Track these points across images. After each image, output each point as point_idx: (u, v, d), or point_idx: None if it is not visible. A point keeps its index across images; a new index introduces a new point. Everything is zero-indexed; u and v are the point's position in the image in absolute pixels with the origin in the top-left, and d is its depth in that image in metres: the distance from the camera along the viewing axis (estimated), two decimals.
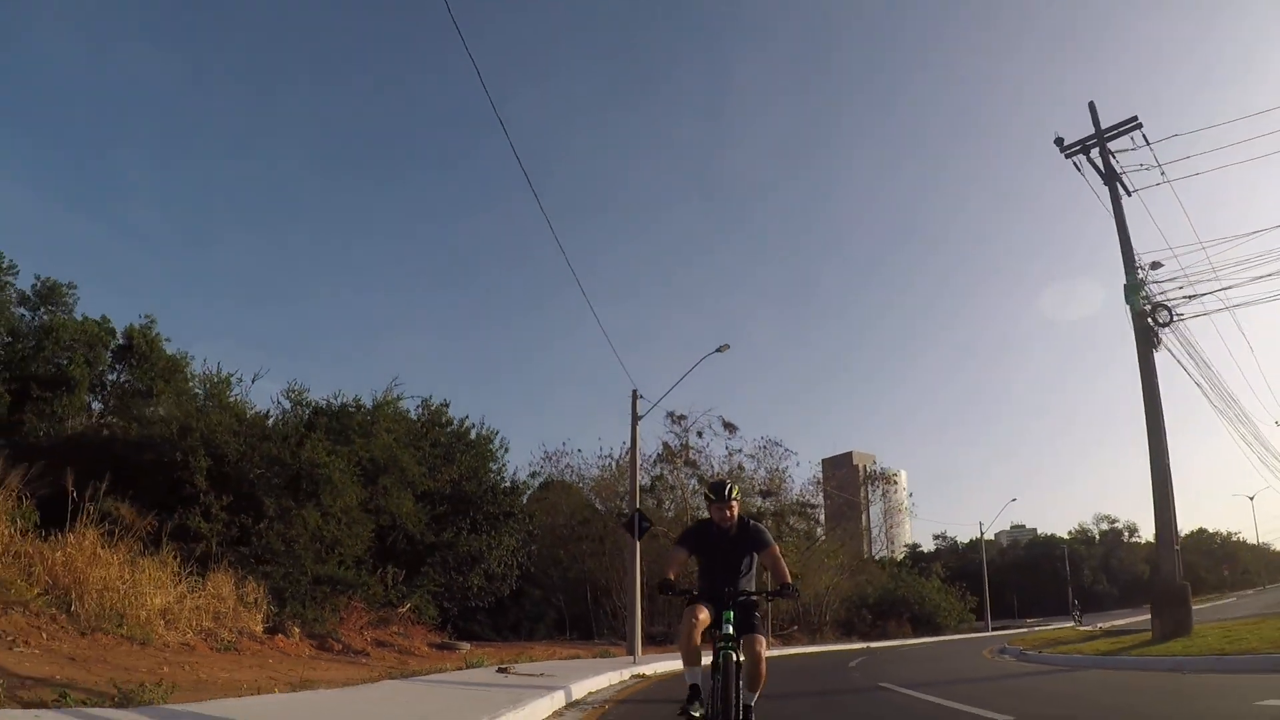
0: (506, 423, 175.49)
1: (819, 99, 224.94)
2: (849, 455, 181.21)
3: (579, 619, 37.38)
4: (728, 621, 5.28)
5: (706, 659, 5.45)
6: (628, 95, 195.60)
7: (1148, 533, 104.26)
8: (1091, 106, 17.83)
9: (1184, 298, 16.37)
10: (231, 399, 22.52)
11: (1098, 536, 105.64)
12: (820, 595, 45.32)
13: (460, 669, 15.48)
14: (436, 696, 10.12)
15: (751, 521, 5.86)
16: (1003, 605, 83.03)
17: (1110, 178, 17.39)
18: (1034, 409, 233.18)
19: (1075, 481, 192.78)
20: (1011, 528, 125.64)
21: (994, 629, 58.44)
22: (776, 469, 42.99)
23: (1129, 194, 17.35)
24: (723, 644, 5.20)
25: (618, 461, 39.09)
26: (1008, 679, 14.33)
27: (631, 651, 21.47)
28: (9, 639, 9.04)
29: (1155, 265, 17.02)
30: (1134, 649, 16.54)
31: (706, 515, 5.86)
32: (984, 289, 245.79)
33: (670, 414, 39.26)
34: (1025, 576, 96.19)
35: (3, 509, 12.16)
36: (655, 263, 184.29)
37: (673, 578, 5.64)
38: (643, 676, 16.19)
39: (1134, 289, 16.68)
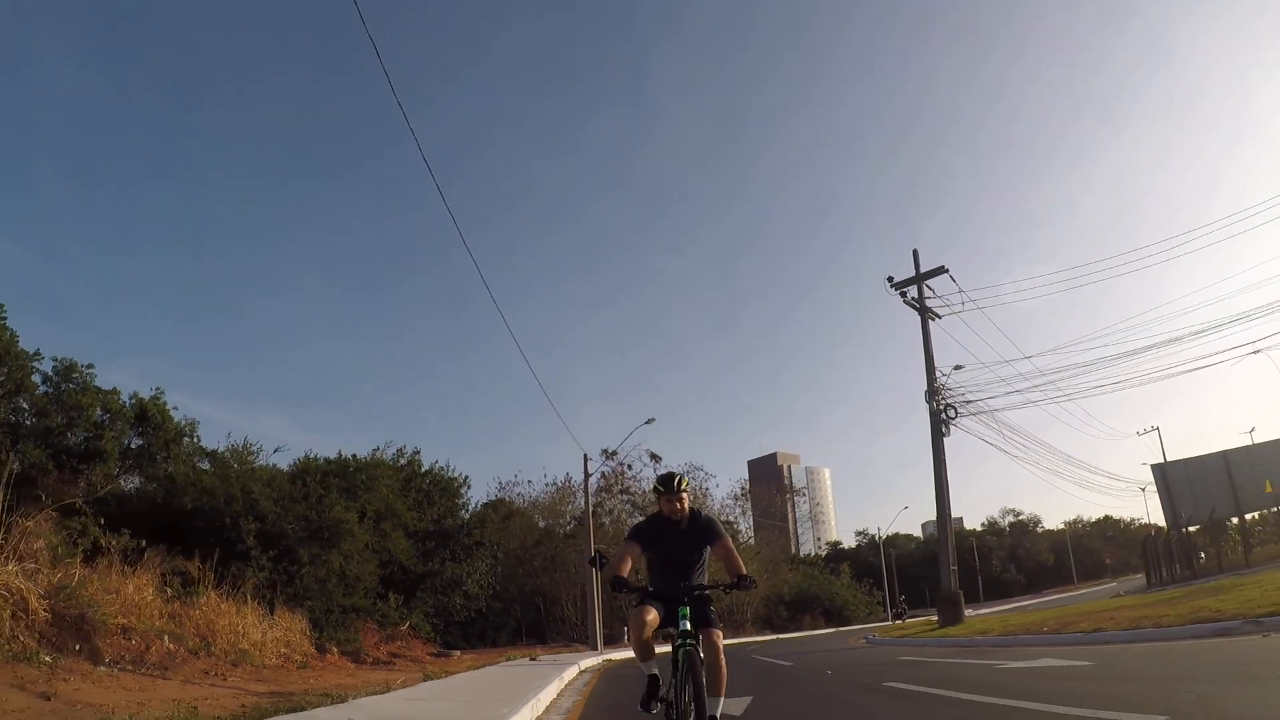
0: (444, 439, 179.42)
1: (734, 88, 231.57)
2: (774, 456, 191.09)
3: (534, 627, 43.46)
4: (684, 617, 5.13)
5: (662, 648, 5.45)
6: (546, 91, 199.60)
7: (1050, 524, 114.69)
8: (915, 254, 24.56)
9: (964, 401, 23.33)
10: (257, 465, 28.06)
11: (1007, 528, 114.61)
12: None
13: (508, 661, 22.55)
14: (517, 673, 16.43)
15: (703, 514, 5.74)
16: (915, 596, 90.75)
17: (922, 310, 24.12)
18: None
19: (989, 477, 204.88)
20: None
21: (895, 619, 65.80)
22: (699, 489, 49.97)
23: (937, 319, 24.13)
24: (681, 642, 5.06)
25: (559, 486, 46.68)
26: (836, 651, 21.24)
27: (595, 647, 28.62)
28: (212, 676, 14.80)
29: (958, 367, 24.02)
30: (928, 633, 23.78)
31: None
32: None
33: (604, 450, 45.67)
34: (936, 568, 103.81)
35: (155, 580, 17.72)
36: (577, 258, 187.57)
37: (624, 574, 5.39)
38: (609, 660, 25.00)
39: (931, 394, 23.55)
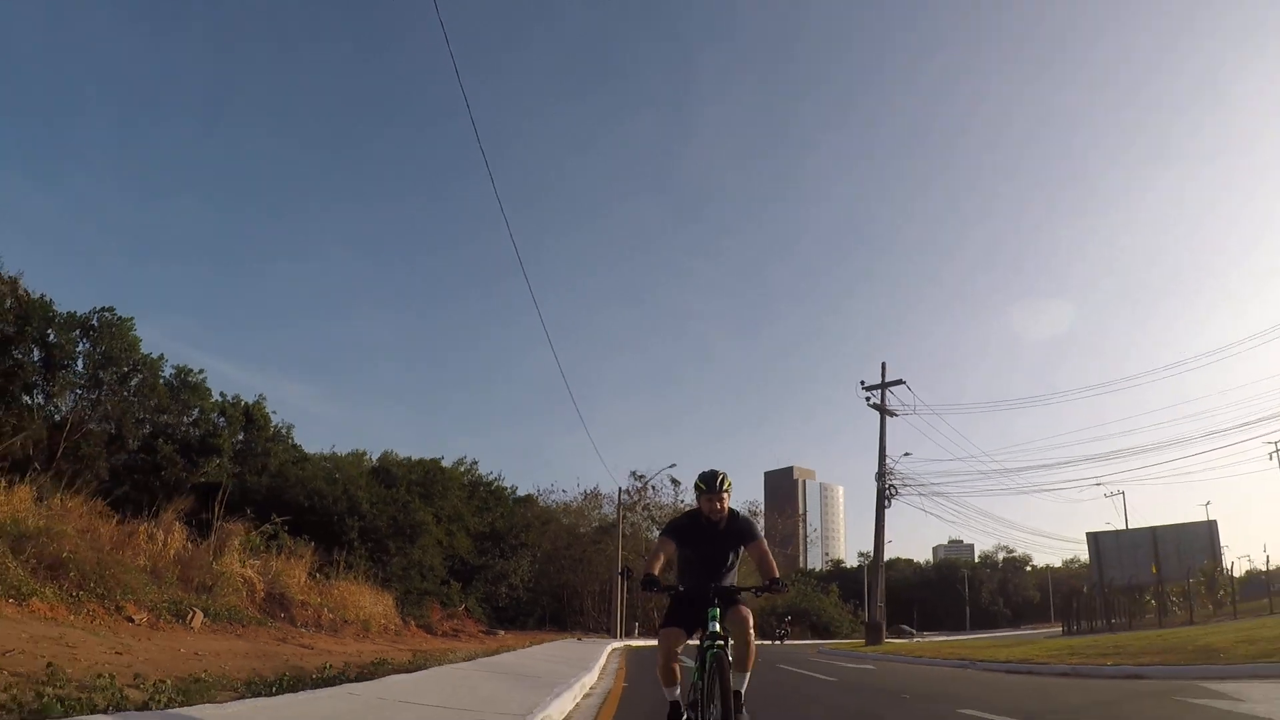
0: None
1: (779, 97, 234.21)
2: (790, 470, 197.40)
3: (555, 615, 50.78)
4: (714, 619, 5.06)
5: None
6: (587, 86, 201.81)
7: (1040, 561, 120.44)
8: (883, 366, 31.59)
9: (903, 484, 30.38)
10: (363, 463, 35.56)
11: (999, 563, 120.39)
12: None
13: (556, 639, 29.91)
14: (577, 647, 23.87)
15: (741, 515, 5.69)
16: (905, 618, 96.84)
17: (881, 412, 31.07)
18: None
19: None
20: (949, 542, 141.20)
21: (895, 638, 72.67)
22: None
23: (893, 415, 31.11)
24: (710, 644, 4.98)
25: (588, 494, 55.41)
26: (791, 653, 28.21)
27: (616, 635, 35.90)
28: (360, 638, 22.08)
29: (906, 454, 31.07)
30: (857, 648, 30.72)
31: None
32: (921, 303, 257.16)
33: (633, 473, 53.47)
34: (933, 593, 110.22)
35: (308, 567, 25.05)
36: (606, 252, 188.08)
37: (657, 573, 5.30)
38: (630, 644, 32.09)
39: (881, 475, 30.55)
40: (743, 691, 5.09)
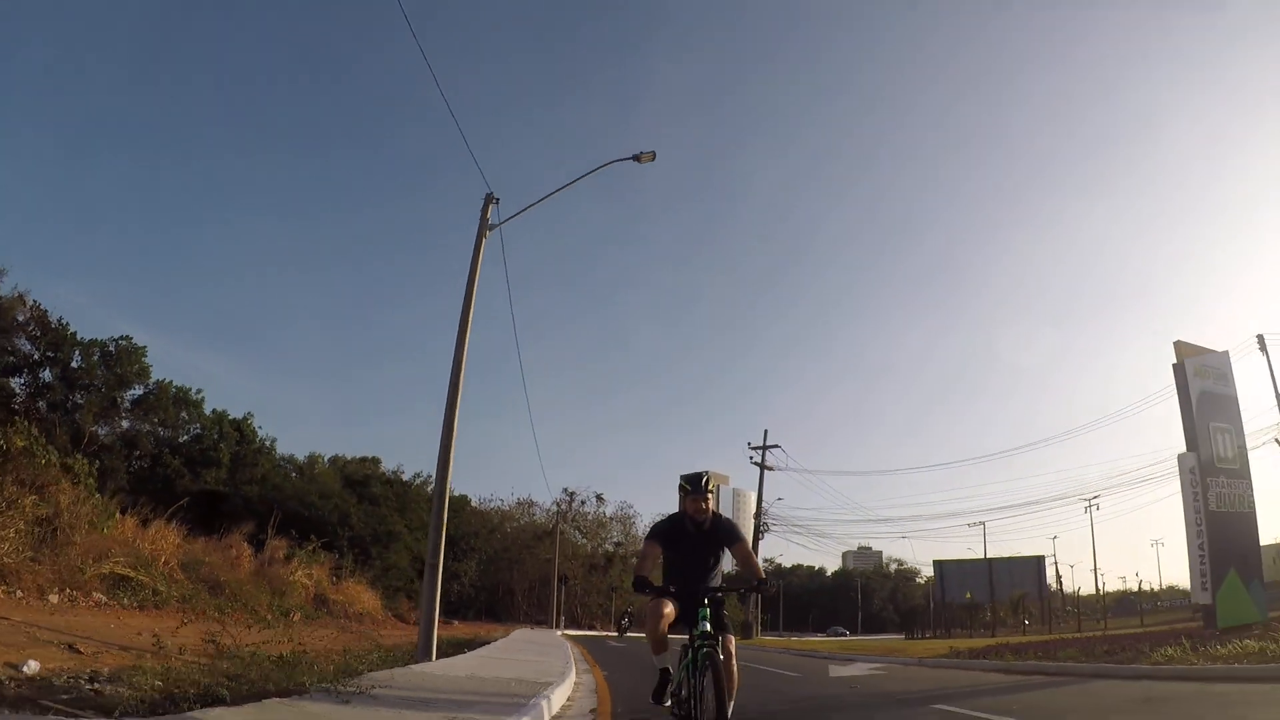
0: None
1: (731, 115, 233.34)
2: (704, 474, 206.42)
3: (491, 609, 58.69)
4: (705, 619, 5.10)
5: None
6: (543, 92, 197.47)
7: (928, 573, 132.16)
8: (765, 433, 40.58)
9: (773, 522, 39.39)
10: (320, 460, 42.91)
11: (891, 574, 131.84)
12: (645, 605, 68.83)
13: (512, 629, 37.47)
14: (538, 634, 31.97)
15: (724, 518, 5.76)
16: (801, 620, 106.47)
17: (761, 469, 40.08)
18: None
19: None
20: (859, 549, 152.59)
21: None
22: (626, 516, 67.41)
23: (771, 469, 40.16)
24: (702, 643, 5.01)
25: (521, 502, 65.35)
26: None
27: (552, 626, 43.76)
28: (379, 627, 29.71)
29: (779, 498, 40.23)
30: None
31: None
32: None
33: (565, 489, 62.50)
34: (831, 599, 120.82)
35: (327, 570, 32.44)
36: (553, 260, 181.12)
37: (648, 575, 5.36)
38: (567, 633, 39.16)
39: (757, 515, 39.42)
40: (729, 715, 4.96)
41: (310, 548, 28.87)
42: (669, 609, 5.22)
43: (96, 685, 5.70)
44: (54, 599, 12.41)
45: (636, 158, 14.85)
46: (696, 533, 5.53)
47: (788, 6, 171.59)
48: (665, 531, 5.67)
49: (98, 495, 17.64)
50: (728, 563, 5.76)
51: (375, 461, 50.45)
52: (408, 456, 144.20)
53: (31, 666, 6.51)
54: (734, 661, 5.22)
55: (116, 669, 6.92)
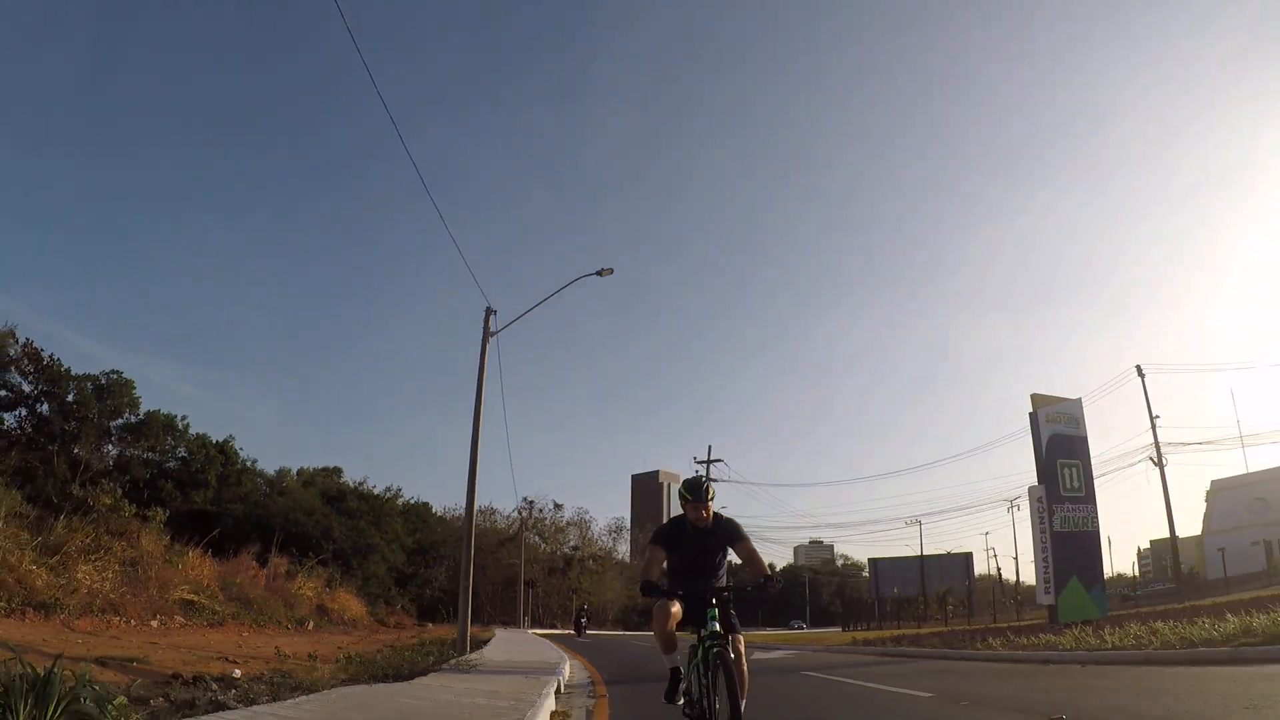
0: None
1: (672, 99, 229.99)
2: (656, 473, 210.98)
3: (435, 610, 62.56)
4: (714, 619, 5.19)
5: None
6: (483, 78, 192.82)
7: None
8: (709, 448, 44.61)
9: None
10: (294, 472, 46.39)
11: (840, 568, 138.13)
12: (607, 601, 72.67)
13: (489, 629, 41.07)
14: (517, 632, 35.44)
15: (725, 518, 5.83)
16: (751, 613, 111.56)
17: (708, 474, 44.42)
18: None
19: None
20: (810, 543, 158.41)
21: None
22: (583, 520, 71.46)
23: (716, 481, 44.53)
24: (712, 643, 5.08)
25: (483, 510, 67.83)
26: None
27: (520, 626, 47.51)
28: (375, 632, 33.40)
29: (724, 507, 44.66)
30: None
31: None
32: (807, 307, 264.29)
33: (524, 498, 66.61)
34: (780, 593, 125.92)
35: (319, 582, 35.99)
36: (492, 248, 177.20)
37: (655, 579, 5.52)
38: (538, 632, 42.71)
39: None
40: (741, 713, 4.91)
41: (309, 564, 32.32)
42: (675, 608, 5.34)
43: (289, 680, 9.52)
44: (155, 624, 16.06)
45: (599, 273, 18.98)
46: (699, 535, 5.62)
47: (754, 11, 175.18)
48: (668, 535, 5.76)
49: (168, 537, 21.17)
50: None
51: (338, 471, 53.90)
52: (357, 459, 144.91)
53: (237, 673, 10.29)
54: (744, 662, 5.29)
55: (285, 670, 10.79)
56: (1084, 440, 23.66)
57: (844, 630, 56.62)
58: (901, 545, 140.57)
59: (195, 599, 19.13)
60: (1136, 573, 72.69)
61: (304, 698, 7.37)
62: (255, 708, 6.63)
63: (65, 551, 15.84)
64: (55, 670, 4.55)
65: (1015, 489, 64.10)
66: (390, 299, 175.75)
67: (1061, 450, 22.75)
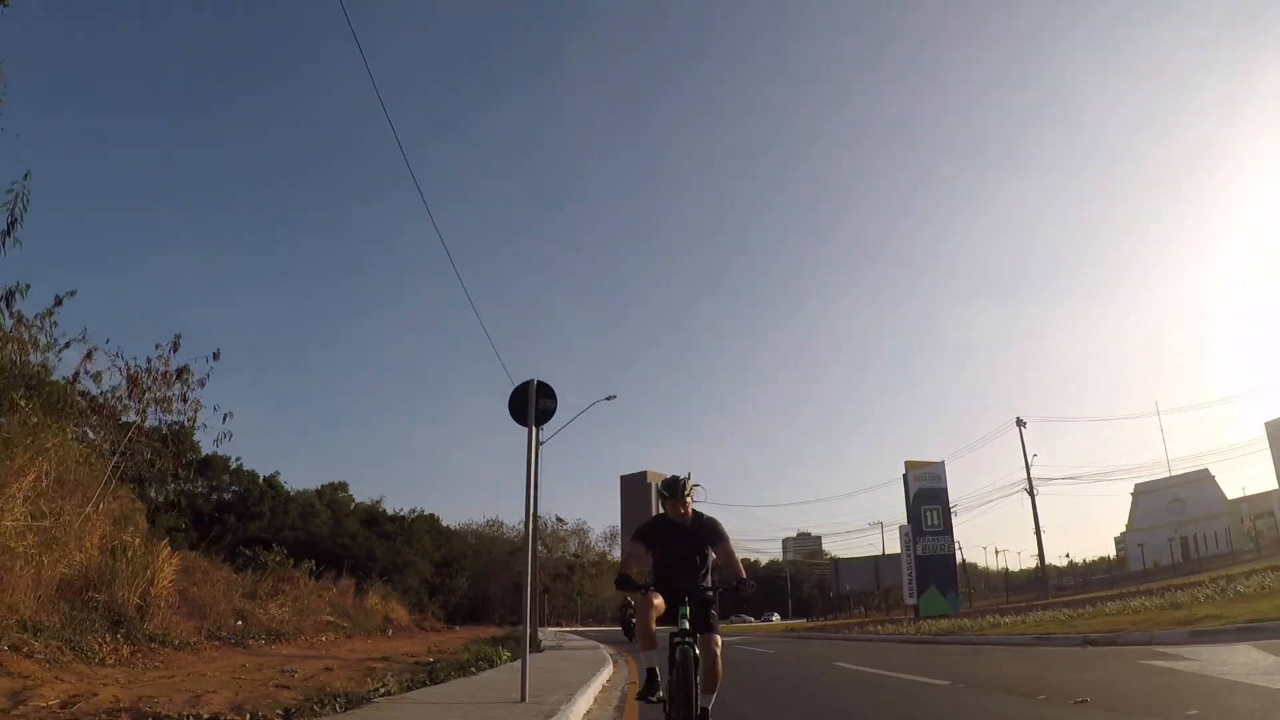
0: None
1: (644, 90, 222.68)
2: (644, 474, 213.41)
3: (473, 614, 70.60)
4: (684, 617, 5.34)
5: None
6: (452, 70, 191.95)
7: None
8: (689, 474, 52.69)
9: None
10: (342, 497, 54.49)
11: (821, 562, 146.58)
12: (603, 601, 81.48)
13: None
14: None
15: (706, 516, 5.89)
16: (732, 607, 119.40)
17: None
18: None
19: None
20: (799, 535, 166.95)
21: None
22: (582, 529, 79.90)
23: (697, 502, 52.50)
24: (679, 639, 5.26)
25: (490, 522, 76.86)
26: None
27: (543, 625, 56.26)
28: (421, 636, 41.55)
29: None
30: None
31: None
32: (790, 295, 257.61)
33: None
34: (764, 587, 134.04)
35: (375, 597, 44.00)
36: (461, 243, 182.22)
37: (633, 574, 5.65)
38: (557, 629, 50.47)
39: None
40: (709, 709, 5.25)
41: (373, 582, 40.47)
42: (658, 600, 5.40)
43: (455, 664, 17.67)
44: (323, 639, 24.19)
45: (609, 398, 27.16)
46: (680, 531, 5.72)
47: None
48: (648, 531, 5.89)
49: (315, 580, 29.33)
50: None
51: (344, 485, 62.00)
52: (351, 462, 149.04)
53: (425, 660, 18.40)
54: (718, 662, 5.35)
55: (444, 659, 18.99)
56: (944, 490, 33.16)
57: (809, 621, 65.31)
58: (895, 545, 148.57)
59: (331, 618, 27.29)
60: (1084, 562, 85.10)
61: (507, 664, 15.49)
62: (497, 669, 14.79)
63: (258, 595, 23.96)
64: (435, 663, 12.56)
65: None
66: (366, 293, 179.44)
67: (925, 499, 32.16)
